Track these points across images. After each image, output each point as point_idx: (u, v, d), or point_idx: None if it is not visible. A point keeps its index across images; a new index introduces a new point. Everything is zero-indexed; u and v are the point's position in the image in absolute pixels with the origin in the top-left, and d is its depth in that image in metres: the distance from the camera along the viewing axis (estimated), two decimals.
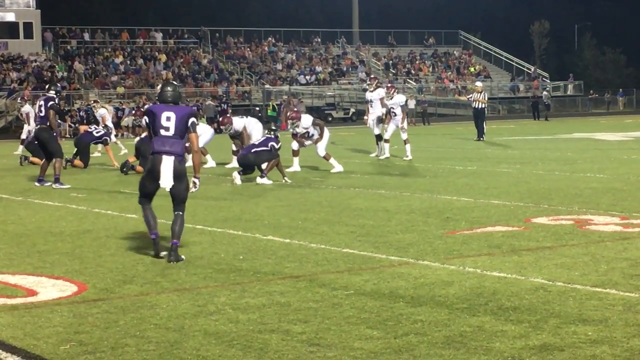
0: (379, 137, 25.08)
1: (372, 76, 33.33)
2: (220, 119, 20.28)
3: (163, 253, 9.53)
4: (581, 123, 51.37)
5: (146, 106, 36.98)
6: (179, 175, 9.58)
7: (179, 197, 9.67)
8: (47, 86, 19.29)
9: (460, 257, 9.45)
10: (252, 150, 18.27)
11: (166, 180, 9.55)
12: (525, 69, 78.41)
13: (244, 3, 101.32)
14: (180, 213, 9.64)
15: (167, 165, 9.52)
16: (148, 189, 9.78)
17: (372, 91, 25.42)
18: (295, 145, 20.70)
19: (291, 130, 20.59)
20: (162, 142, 9.58)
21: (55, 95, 18.13)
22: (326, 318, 6.96)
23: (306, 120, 20.42)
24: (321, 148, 20.59)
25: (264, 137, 18.66)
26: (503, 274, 8.45)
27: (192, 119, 9.70)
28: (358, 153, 27.26)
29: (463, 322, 6.74)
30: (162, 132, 9.60)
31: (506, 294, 7.62)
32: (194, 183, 9.78)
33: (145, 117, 9.83)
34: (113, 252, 9.86)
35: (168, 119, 9.59)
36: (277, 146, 18.16)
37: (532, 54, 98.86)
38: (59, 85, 20.30)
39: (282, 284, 8.26)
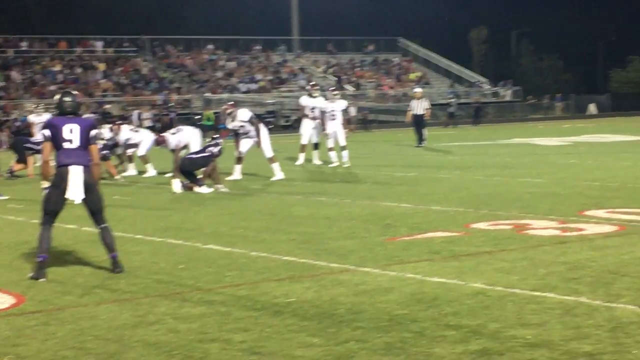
0: (316, 146, 24.99)
1: (313, 83, 31.80)
2: (155, 138, 20.65)
3: (42, 280, 9.05)
4: (519, 128, 51.90)
5: (90, 115, 36.75)
6: (89, 186, 9.28)
7: (95, 208, 9.41)
8: None
9: (401, 263, 9.49)
10: (188, 156, 18.47)
11: (75, 191, 9.20)
12: (464, 77, 78.90)
13: (183, 11, 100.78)
14: (105, 225, 9.44)
15: (75, 175, 9.21)
16: (53, 206, 9.30)
17: (315, 97, 25.27)
18: (237, 152, 20.68)
19: (229, 125, 20.52)
20: (67, 154, 9.28)
21: None
22: (267, 326, 6.94)
23: (243, 113, 20.39)
24: (267, 149, 20.60)
25: (204, 146, 18.77)
26: (443, 280, 8.50)
27: (95, 131, 9.51)
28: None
29: (403, 328, 6.77)
30: (66, 144, 9.30)
31: (446, 299, 7.66)
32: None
33: (46, 130, 9.38)
34: (51, 263, 9.72)
35: (71, 131, 9.32)
36: (215, 151, 18.18)
37: (472, 60, 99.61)
38: None
39: (222, 293, 8.23)
